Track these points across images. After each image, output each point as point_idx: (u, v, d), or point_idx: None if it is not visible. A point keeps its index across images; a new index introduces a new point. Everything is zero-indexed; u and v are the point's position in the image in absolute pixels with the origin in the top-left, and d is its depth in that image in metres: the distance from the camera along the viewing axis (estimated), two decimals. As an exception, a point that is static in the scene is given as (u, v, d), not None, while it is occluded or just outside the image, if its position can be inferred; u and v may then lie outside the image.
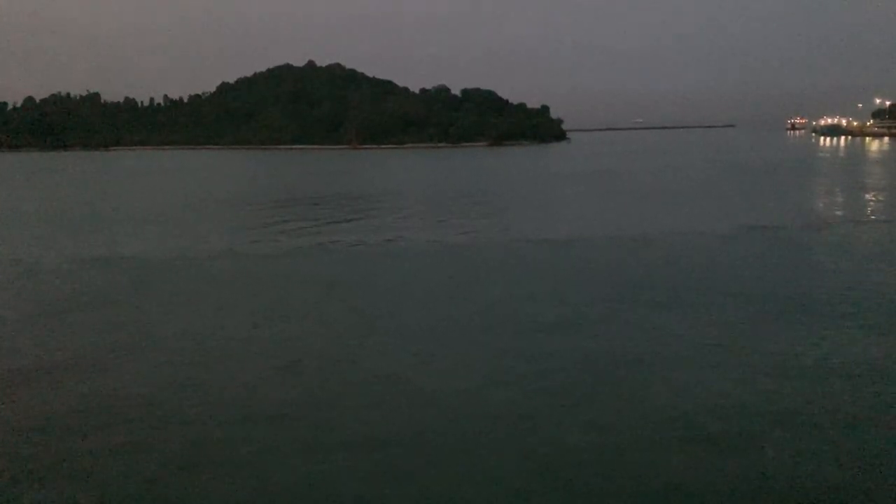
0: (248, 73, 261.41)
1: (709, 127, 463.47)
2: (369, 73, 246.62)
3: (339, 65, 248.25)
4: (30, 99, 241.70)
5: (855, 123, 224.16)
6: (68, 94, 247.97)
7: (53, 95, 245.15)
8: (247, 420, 13.93)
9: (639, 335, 18.79)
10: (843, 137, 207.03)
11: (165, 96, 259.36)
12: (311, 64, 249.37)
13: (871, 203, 50.06)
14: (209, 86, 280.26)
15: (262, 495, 11.25)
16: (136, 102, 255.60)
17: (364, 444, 12.82)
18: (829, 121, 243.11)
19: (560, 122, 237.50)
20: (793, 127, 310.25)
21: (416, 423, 13.72)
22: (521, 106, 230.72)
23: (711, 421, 13.44)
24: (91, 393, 15.49)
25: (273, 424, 13.82)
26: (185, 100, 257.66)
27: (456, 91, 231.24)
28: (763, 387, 15.02)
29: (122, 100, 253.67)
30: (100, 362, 17.53)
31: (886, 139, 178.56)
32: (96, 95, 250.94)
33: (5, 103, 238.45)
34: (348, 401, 14.92)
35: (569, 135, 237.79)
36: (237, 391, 15.51)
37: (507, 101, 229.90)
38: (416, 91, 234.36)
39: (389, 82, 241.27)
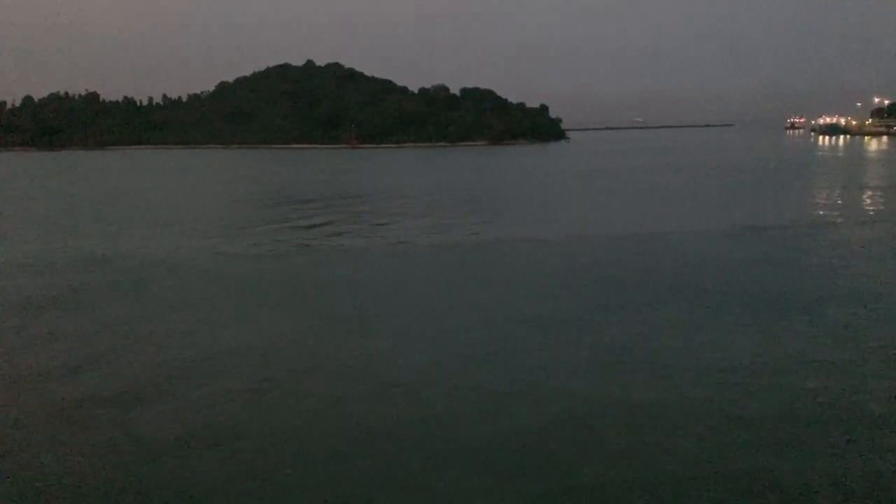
0: (247, 73, 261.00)
1: (708, 126, 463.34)
2: (368, 73, 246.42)
3: (338, 64, 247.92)
4: (28, 98, 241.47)
5: (854, 122, 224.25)
6: (67, 94, 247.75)
7: (52, 95, 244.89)
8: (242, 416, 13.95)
9: (633, 337, 18.77)
10: (842, 136, 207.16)
11: (164, 96, 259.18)
12: (310, 63, 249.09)
13: (870, 203, 50.07)
14: (208, 85, 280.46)
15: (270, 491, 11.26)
16: (134, 102, 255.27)
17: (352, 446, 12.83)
18: (828, 120, 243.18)
19: (559, 121, 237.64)
20: (792, 126, 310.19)
21: (407, 431, 13.69)
22: (521, 105, 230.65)
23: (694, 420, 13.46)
24: (68, 396, 15.47)
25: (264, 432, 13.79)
26: (184, 99, 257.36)
27: (455, 90, 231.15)
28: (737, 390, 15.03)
29: (120, 99, 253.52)
30: (83, 364, 17.51)
31: (885, 138, 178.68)
32: (95, 95, 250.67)
33: (4, 102, 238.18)
34: (340, 405, 14.90)
35: (568, 134, 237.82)
36: (220, 394, 15.49)
37: (506, 100, 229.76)
38: (416, 90, 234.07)
39: (388, 81, 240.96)
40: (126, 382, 16.03)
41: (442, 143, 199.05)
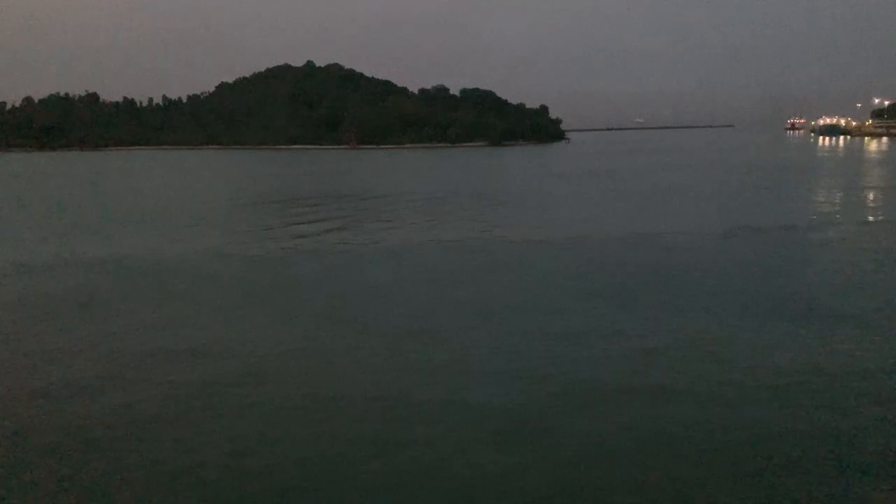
0: (247, 74, 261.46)
1: (708, 127, 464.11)
2: (368, 73, 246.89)
3: (337, 65, 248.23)
4: (28, 99, 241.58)
5: (854, 123, 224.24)
6: (67, 95, 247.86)
7: (52, 95, 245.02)
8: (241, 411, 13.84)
9: (629, 339, 18.64)
10: (842, 137, 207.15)
11: (164, 96, 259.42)
12: (310, 64, 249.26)
13: (870, 203, 49.98)
14: (208, 86, 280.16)
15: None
16: (134, 102, 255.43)
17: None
18: (829, 121, 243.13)
19: (559, 122, 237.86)
20: (792, 127, 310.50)
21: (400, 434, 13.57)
22: (520, 106, 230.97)
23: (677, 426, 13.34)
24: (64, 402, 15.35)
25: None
26: (184, 100, 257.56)
27: (455, 91, 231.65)
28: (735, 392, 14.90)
29: (120, 100, 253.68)
30: (82, 365, 17.39)
31: (885, 139, 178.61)
32: (95, 95, 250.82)
33: (4, 103, 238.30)
34: (336, 408, 14.79)
35: (568, 135, 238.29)
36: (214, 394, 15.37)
37: (505, 101, 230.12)
38: (415, 91, 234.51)
39: (388, 82, 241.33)
40: (128, 401, 15.94)
41: (442, 144, 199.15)
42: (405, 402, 14.69)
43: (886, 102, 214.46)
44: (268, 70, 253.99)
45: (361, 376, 16.21)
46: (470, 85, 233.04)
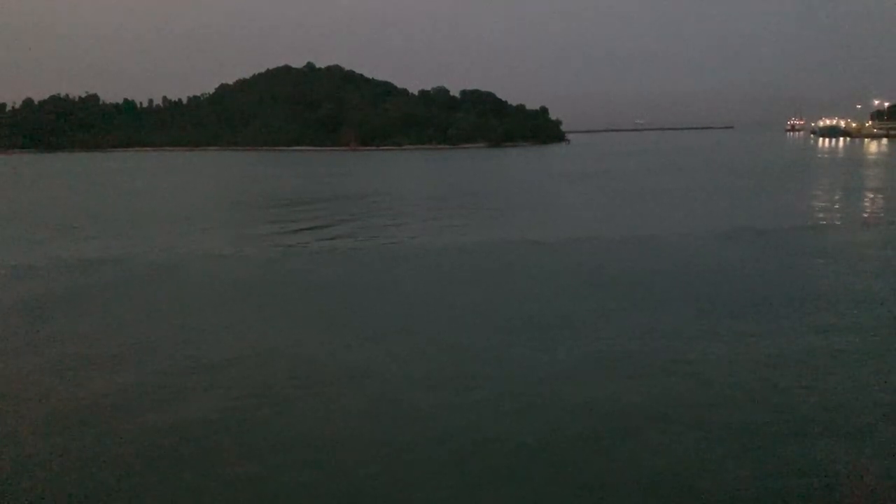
0: (247, 75, 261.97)
1: (708, 128, 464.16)
2: (368, 75, 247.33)
3: (337, 66, 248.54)
4: (29, 100, 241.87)
5: (854, 124, 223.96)
6: (67, 96, 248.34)
7: (52, 97, 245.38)
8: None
9: (627, 339, 18.70)
10: (841, 138, 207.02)
11: (164, 97, 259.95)
12: (310, 65, 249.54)
13: (869, 205, 50.00)
14: (208, 87, 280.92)
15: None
16: (134, 104, 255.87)
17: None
18: (828, 122, 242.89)
19: (559, 123, 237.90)
20: (792, 128, 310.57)
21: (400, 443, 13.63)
22: (521, 107, 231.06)
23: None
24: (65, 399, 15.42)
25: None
26: (184, 101, 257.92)
27: (455, 92, 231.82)
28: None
29: (121, 101, 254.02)
30: (78, 365, 17.46)
31: (885, 140, 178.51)
32: (95, 97, 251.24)
33: (4, 104, 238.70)
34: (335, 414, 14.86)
35: (568, 136, 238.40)
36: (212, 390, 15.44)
37: (506, 102, 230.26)
38: (415, 92, 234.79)
39: (388, 83, 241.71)
40: (123, 386, 16.00)
41: (442, 146, 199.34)
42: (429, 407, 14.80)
43: (886, 104, 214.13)
44: (268, 71, 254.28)
45: (360, 383, 16.30)
46: (470, 86, 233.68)
